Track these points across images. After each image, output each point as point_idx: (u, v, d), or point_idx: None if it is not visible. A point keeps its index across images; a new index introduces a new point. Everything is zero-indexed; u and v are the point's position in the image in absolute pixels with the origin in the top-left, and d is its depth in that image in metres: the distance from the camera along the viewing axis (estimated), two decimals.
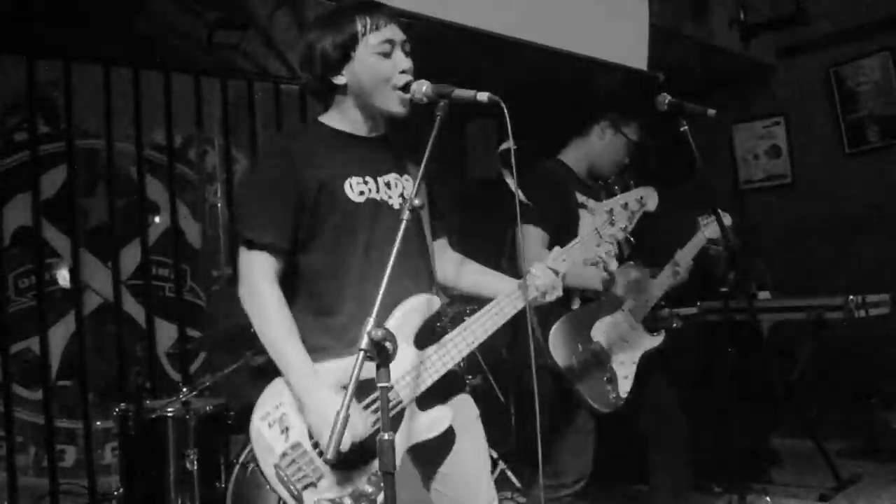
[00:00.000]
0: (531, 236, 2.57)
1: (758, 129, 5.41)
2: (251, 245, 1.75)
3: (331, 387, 1.69)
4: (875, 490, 3.71)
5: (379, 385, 1.44)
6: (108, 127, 3.96)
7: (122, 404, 3.08)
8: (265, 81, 4.43)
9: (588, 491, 2.59)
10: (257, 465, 1.71)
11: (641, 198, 2.01)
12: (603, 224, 1.98)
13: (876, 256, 4.64)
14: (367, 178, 1.82)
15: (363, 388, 1.69)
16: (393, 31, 1.81)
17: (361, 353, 1.41)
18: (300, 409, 1.69)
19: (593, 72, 4.09)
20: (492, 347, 4.02)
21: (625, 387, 2.60)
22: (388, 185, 1.85)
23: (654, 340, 2.73)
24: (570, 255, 1.96)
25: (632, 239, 2.64)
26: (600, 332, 2.62)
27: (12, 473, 3.54)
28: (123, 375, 3.86)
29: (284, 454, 1.67)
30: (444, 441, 1.82)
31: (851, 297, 3.74)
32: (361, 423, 1.65)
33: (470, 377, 3.53)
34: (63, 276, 3.84)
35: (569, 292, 2.61)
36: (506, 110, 1.68)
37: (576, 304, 2.65)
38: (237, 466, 2.86)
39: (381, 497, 1.66)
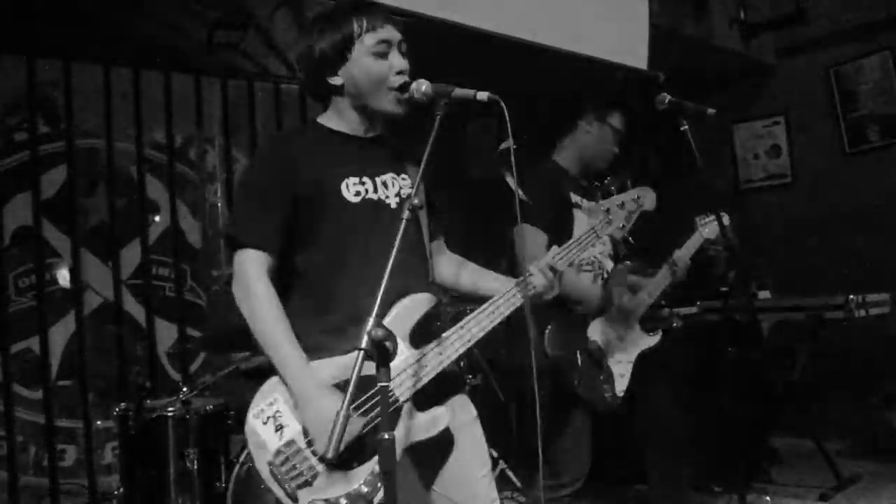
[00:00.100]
0: (531, 236, 2.57)
1: (758, 128, 5.41)
2: (244, 245, 1.76)
3: (327, 384, 1.69)
4: (875, 490, 3.71)
5: (379, 384, 1.44)
6: (108, 127, 3.96)
7: (123, 404, 3.08)
8: (265, 81, 4.43)
9: (588, 491, 2.59)
10: (252, 463, 1.70)
11: (638, 198, 2.01)
12: (600, 224, 1.98)
13: (876, 256, 4.64)
14: (364, 179, 1.83)
15: (358, 387, 1.70)
16: (389, 32, 1.81)
17: (361, 353, 1.41)
18: (295, 407, 1.69)
19: (580, 67, 4.08)
20: (492, 347, 4.02)
21: (621, 386, 2.61)
22: (384, 184, 1.85)
23: (651, 340, 2.73)
24: (567, 255, 1.96)
25: (630, 239, 2.64)
26: (597, 331, 2.63)
27: (13, 473, 3.54)
28: (123, 375, 3.86)
29: (279, 452, 1.66)
30: (442, 442, 1.81)
31: (851, 296, 3.74)
32: (354, 423, 1.65)
33: (470, 377, 3.53)
34: (63, 276, 3.84)
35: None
36: (505, 110, 1.69)
37: (570, 305, 2.65)
38: (237, 466, 2.86)
39: (377, 497, 1.65)
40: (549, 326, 2.51)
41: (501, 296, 1.87)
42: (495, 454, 3.78)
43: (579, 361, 2.54)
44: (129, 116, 4.01)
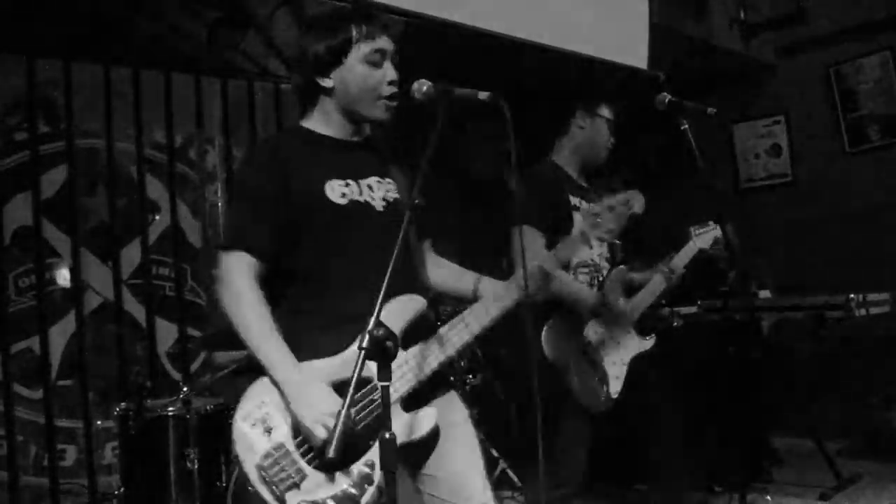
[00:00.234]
0: (530, 237, 2.57)
1: (758, 128, 5.41)
2: (230, 247, 1.77)
3: (319, 381, 1.69)
4: (876, 489, 3.71)
5: (380, 384, 1.44)
6: (108, 126, 3.95)
7: (123, 404, 3.08)
8: (265, 81, 4.43)
9: (587, 490, 2.59)
10: (239, 466, 1.69)
11: (628, 201, 2.02)
12: (590, 227, 1.99)
13: (876, 255, 4.64)
14: (349, 181, 1.84)
15: (341, 391, 1.69)
16: (385, 42, 1.83)
17: (362, 353, 1.41)
18: (285, 408, 1.69)
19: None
20: (492, 347, 4.02)
21: (615, 387, 2.61)
22: (370, 187, 1.87)
23: (646, 344, 2.74)
24: (557, 257, 1.96)
25: (618, 241, 2.65)
26: (593, 332, 2.63)
27: (13, 473, 3.54)
28: (124, 375, 3.86)
29: (267, 455, 1.66)
30: (430, 442, 1.81)
31: (852, 295, 3.74)
32: (335, 405, 1.63)
33: (470, 377, 3.53)
34: (63, 276, 3.84)
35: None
36: (506, 109, 1.69)
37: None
38: (237, 466, 2.86)
39: (365, 498, 1.66)
40: (546, 326, 2.52)
41: (490, 297, 1.88)
42: (495, 454, 3.78)
43: (575, 362, 2.54)
44: (129, 116, 4.01)
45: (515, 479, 3.76)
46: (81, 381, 3.76)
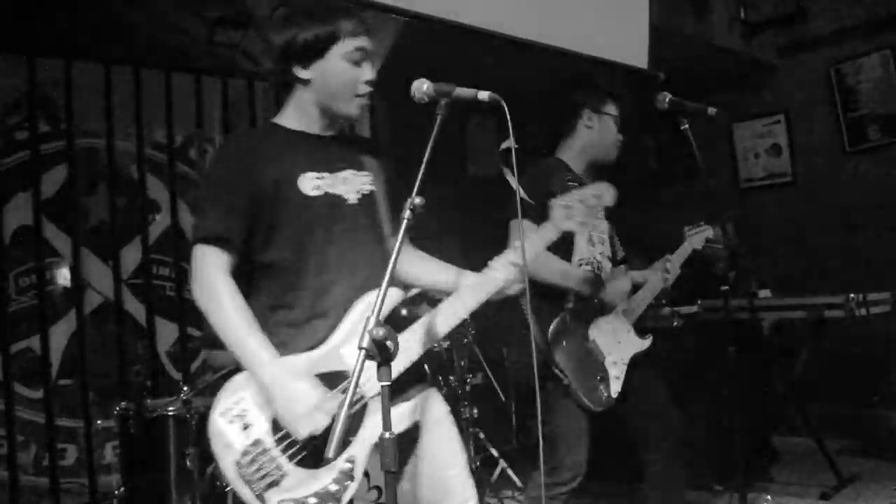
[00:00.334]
0: (533, 231, 2.57)
1: (758, 127, 5.41)
2: (202, 240, 1.76)
3: (299, 375, 1.68)
4: (875, 489, 3.71)
5: (380, 383, 1.44)
6: (108, 126, 3.96)
7: (123, 403, 3.08)
8: (265, 81, 4.42)
9: (587, 489, 2.59)
10: (217, 464, 1.67)
11: (598, 194, 2.05)
12: (561, 219, 2.00)
13: (876, 255, 4.64)
14: (323, 174, 1.85)
15: (330, 383, 1.71)
16: (368, 42, 1.84)
17: (363, 352, 1.40)
18: (264, 403, 1.68)
19: (573, 65, 4.08)
20: (493, 345, 4.02)
21: (616, 387, 2.62)
22: (344, 180, 1.87)
23: (644, 343, 2.74)
24: (531, 248, 1.96)
25: (592, 235, 2.66)
26: (596, 331, 2.64)
27: (13, 472, 3.54)
28: (124, 374, 3.86)
29: (245, 452, 1.65)
30: (408, 438, 1.81)
31: (852, 295, 3.74)
32: (324, 416, 1.64)
33: (470, 376, 3.53)
34: (64, 275, 3.84)
35: (563, 291, 2.62)
36: (506, 109, 1.69)
37: (570, 303, 2.66)
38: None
39: (346, 495, 1.65)
40: (553, 324, 2.52)
41: (465, 290, 1.88)
42: (495, 454, 3.78)
43: (577, 361, 2.54)
44: (129, 115, 4.01)
45: (515, 478, 3.76)
46: (82, 380, 3.77)
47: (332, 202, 1.83)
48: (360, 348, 1.40)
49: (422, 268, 2.04)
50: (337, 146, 1.91)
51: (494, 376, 4.08)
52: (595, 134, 2.80)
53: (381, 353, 1.41)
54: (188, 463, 2.90)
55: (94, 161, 3.96)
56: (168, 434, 2.93)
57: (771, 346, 4.04)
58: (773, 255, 4.97)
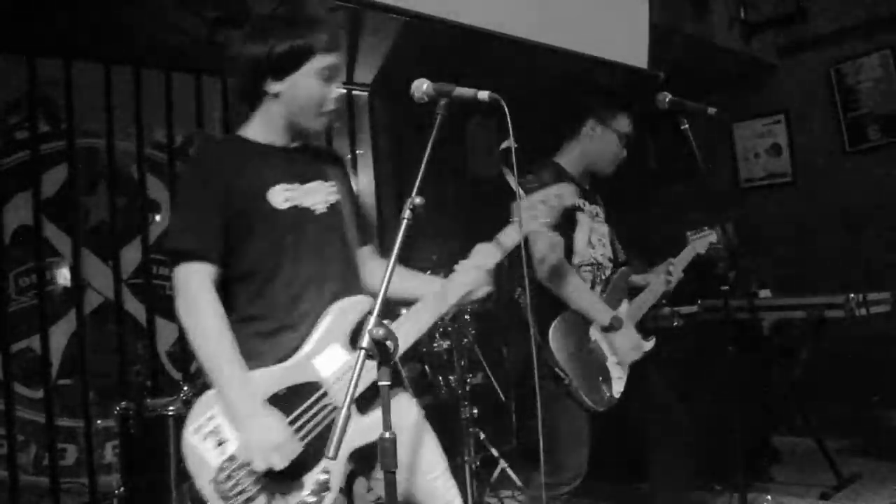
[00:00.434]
0: (534, 235, 2.57)
1: (758, 127, 5.40)
2: (187, 257, 1.74)
3: (264, 403, 1.68)
4: (876, 488, 3.71)
5: (380, 384, 1.44)
6: (108, 126, 3.96)
7: (123, 403, 3.08)
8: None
9: (588, 489, 2.59)
10: (192, 481, 1.66)
11: (559, 194, 2.07)
12: (526, 219, 2.03)
13: (876, 255, 4.64)
14: (292, 185, 1.85)
15: (291, 399, 1.71)
16: (339, 59, 1.84)
17: (362, 352, 1.40)
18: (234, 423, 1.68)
19: (585, 69, 4.09)
20: (493, 346, 4.02)
21: (618, 387, 2.62)
22: (312, 191, 1.88)
23: (647, 345, 2.74)
24: (496, 251, 1.98)
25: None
26: (597, 332, 2.64)
27: (13, 472, 3.54)
28: (124, 374, 3.87)
29: (221, 468, 1.64)
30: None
31: (852, 295, 3.74)
32: (280, 458, 1.64)
33: (470, 376, 3.53)
34: (64, 275, 3.84)
35: None
36: (506, 109, 1.69)
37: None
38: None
39: None
40: (553, 325, 2.52)
41: (431, 296, 1.88)
42: (495, 454, 3.78)
43: (580, 361, 2.54)
44: (129, 115, 4.02)
45: (516, 478, 3.76)
46: (82, 380, 3.77)
47: (301, 214, 1.84)
48: (360, 348, 1.40)
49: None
50: (303, 158, 1.92)
51: (494, 376, 4.08)
52: (595, 144, 2.79)
53: (381, 352, 1.41)
54: None
55: (94, 161, 3.96)
56: (168, 434, 2.93)
57: (771, 346, 4.04)
58: (773, 255, 4.96)
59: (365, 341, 1.40)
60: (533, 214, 2.03)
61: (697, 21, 4.59)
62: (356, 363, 1.41)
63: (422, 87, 1.72)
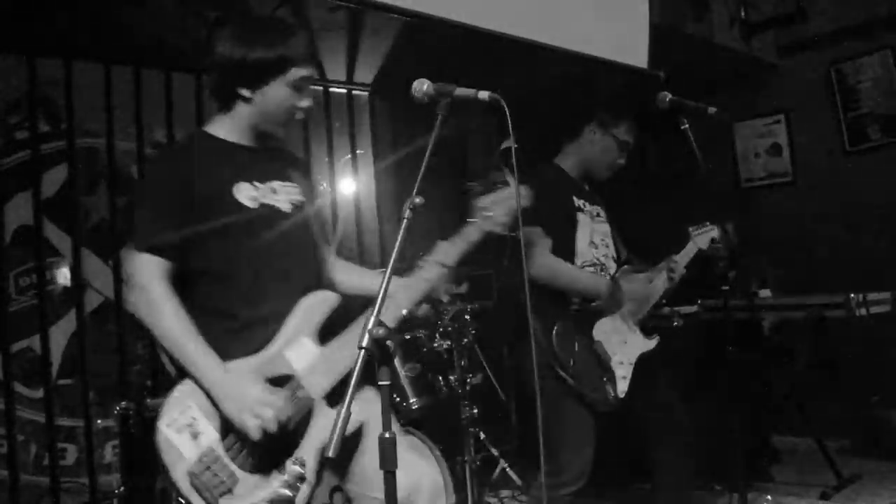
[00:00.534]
0: (535, 237, 2.57)
1: (759, 127, 5.41)
2: (137, 249, 1.75)
3: (243, 376, 1.69)
4: (876, 488, 3.71)
5: (380, 383, 1.44)
6: (108, 126, 3.96)
7: (123, 403, 3.08)
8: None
9: (589, 490, 2.59)
10: (167, 475, 1.67)
11: (515, 194, 2.07)
12: (483, 221, 2.05)
13: (877, 254, 4.63)
14: (256, 184, 1.87)
15: (279, 383, 1.73)
16: (312, 71, 1.87)
17: (362, 352, 1.40)
18: (210, 412, 1.68)
19: (590, 72, 4.09)
20: (494, 345, 4.02)
21: (622, 387, 2.62)
22: (274, 190, 1.90)
23: (650, 344, 2.75)
24: (455, 249, 1.99)
25: (594, 237, 2.67)
26: (601, 332, 2.63)
27: (13, 472, 3.54)
28: (124, 374, 3.86)
29: (199, 461, 1.65)
30: (353, 442, 1.82)
31: (852, 295, 3.74)
32: (270, 410, 1.65)
33: (470, 376, 3.53)
34: (64, 275, 3.84)
35: (567, 292, 2.62)
36: (506, 109, 1.69)
37: (574, 304, 2.66)
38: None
39: (299, 497, 1.66)
40: (557, 326, 2.51)
41: (398, 290, 1.89)
42: (496, 453, 3.78)
43: (583, 361, 2.54)
44: (129, 115, 4.01)
45: (516, 478, 3.76)
46: (82, 380, 3.76)
47: (267, 212, 1.86)
48: (360, 348, 1.40)
49: (350, 275, 2.09)
50: (268, 158, 1.95)
51: (494, 376, 4.08)
52: (594, 148, 2.79)
53: (380, 352, 1.41)
54: None
55: (94, 161, 3.95)
56: None
57: (771, 346, 4.04)
58: (774, 254, 4.96)
59: (365, 341, 1.40)
60: (488, 216, 2.05)
61: (697, 21, 4.59)
62: (355, 363, 1.41)
63: (422, 87, 1.72)
